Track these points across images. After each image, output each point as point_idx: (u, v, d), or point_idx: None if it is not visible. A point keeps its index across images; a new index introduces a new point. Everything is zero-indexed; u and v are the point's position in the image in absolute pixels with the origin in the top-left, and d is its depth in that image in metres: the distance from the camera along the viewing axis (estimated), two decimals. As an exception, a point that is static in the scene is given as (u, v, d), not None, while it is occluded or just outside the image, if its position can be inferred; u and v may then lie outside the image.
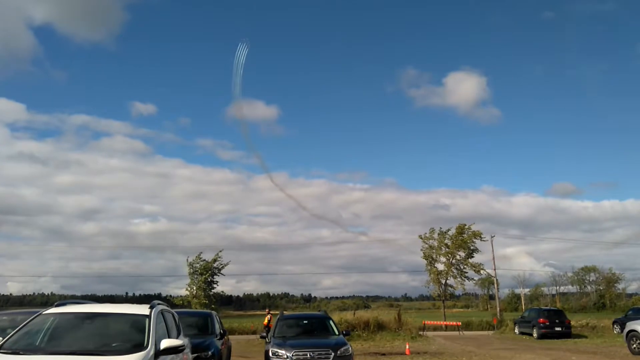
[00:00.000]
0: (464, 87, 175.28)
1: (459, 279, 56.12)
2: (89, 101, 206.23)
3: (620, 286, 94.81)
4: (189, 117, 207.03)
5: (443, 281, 56.49)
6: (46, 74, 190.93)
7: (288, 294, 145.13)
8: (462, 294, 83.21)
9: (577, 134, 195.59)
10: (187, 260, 52.80)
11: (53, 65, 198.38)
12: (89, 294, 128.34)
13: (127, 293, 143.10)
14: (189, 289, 51.79)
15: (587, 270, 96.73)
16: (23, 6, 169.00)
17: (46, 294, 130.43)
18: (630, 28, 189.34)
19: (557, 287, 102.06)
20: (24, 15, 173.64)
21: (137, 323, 8.51)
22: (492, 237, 60.75)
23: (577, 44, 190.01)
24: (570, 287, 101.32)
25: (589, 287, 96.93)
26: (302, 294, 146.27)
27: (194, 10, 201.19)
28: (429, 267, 56.92)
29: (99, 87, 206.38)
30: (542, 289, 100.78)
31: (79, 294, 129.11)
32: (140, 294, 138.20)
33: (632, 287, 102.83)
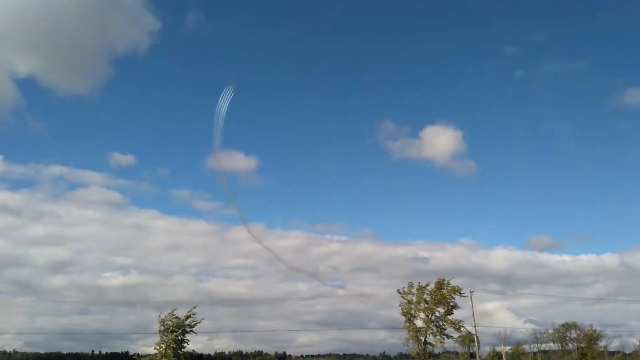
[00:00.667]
0: (440, 140, 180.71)
1: (438, 337, 54.93)
2: (67, 152, 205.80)
3: (602, 343, 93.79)
4: (167, 168, 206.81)
5: (422, 339, 55.15)
6: (26, 125, 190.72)
7: (262, 352, 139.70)
8: (442, 353, 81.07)
9: (553, 187, 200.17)
10: (159, 316, 50.85)
11: (33, 116, 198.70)
12: (54, 351, 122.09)
13: (93, 351, 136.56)
14: (158, 347, 49.52)
15: (568, 326, 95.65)
16: (7, 58, 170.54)
17: (8, 351, 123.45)
18: (600, 85, 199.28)
19: (539, 345, 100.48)
20: (7, 67, 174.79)
21: None
22: (471, 292, 60.14)
23: (549, 100, 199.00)
24: (551, 344, 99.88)
25: (570, 345, 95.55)
26: (276, 352, 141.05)
27: (176, 64, 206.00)
28: (408, 324, 55.66)
29: (78, 138, 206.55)
30: (524, 346, 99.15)
31: (43, 351, 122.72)
32: (107, 352, 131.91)
33: (614, 345, 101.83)
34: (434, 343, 55.44)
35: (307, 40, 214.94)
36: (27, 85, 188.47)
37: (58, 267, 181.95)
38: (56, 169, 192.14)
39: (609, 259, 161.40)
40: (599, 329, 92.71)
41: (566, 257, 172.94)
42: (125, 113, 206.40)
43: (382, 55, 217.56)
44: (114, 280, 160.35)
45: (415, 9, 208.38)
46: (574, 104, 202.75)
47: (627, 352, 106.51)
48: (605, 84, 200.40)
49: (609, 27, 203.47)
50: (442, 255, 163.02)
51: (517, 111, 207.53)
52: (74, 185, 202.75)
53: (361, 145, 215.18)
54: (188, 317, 51.04)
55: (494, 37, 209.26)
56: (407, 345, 56.40)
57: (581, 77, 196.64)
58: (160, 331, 50.32)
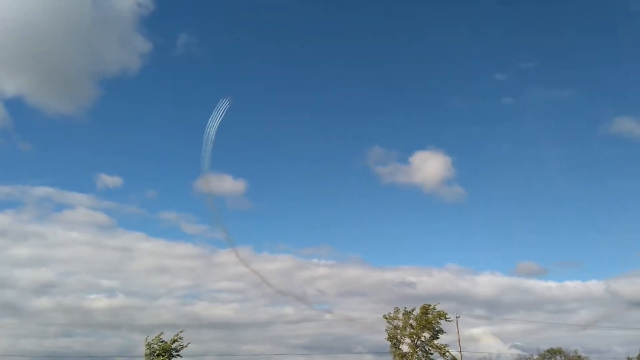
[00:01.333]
0: (429, 166, 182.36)
1: (424, 362, 55.36)
2: (54, 173, 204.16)
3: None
4: (155, 190, 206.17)
5: (408, 364, 55.56)
6: (13, 145, 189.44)
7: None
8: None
9: (540, 213, 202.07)
10: (146, 339, 50.84)
11: (21, 137, 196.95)
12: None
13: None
14: (144, 371, 49.37)
15: (553, 352, 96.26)
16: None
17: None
18: (589, 113, 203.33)
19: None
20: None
21: None
22: (457, 317, 60.82)
23: (538, 127, 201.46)
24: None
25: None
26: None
27: (165, 86, 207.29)
28: (394, 349, 56.09)
29: (66, 159, 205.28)
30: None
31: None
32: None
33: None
34: (419, 368, 55.82)
35: (299, 65, 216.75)
36: (15, 105, 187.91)
37: (43, 288, 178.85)
38: (42, 190, 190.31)
39: (594, 286, 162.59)
40: (583, 354, 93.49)
41: (552, 284, 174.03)
42: (114, 135, 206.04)
43: (370, 79, 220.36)
44: (99, 302, 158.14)
45: (404, 34, 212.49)
46: (562, 131, 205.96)
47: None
48: (594, 111, 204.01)
49: (599, 55, 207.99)
50: (429, 280, 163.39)
51: (506, 138, 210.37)
52: (60, 207, 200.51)
53: (350, 169, 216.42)
54: (175, 341, 51.09)
55: (483, 64, 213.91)
56: (393, 371, 56.79)
57: (570, 104, 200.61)
58: (146, 355, 50.22)
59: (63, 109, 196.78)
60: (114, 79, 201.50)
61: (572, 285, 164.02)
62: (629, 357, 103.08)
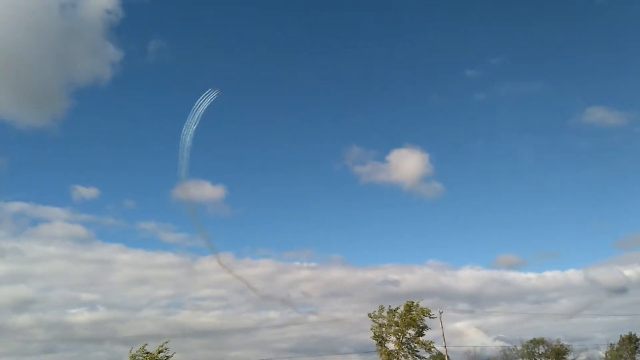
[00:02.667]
0: (407, 163, 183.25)
1: (410, 358, 55.97)
2: (28, 187, 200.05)
3: (570, 357, 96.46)
4: (132, 200, 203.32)
5: (394, 361, 56.08)
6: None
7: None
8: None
9: (517, 206, 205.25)
10: (130, 351, 50.35)
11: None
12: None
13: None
14: (129, 384, 48.93)
15: (536, 342, 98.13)
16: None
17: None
18: (559, 105, 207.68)
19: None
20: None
21: None
22: (440, 312, 61.54)
23: (510, 122, 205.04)
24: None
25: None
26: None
27: (138, 93, 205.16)
28: (379, 347, 56.58)
29: (40, 172, 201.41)
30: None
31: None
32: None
33: (581, 358, 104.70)
34: (406, 365, 56.43)
35: (274, 67, 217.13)
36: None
37: (22, 305, 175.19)
38: (17, 205, 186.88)
39: (573, 275, 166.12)
40: (566, 343, 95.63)
41: (531, 275, 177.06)
42: (88, 145, 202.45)
43: (345, 80, 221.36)
44: (80, 316, 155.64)
45: (376, 34, 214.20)
46: (534, 124, 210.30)
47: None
48: (565, 103, 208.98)
49: (567, 48, 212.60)
50: (411, 277, 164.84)
51: (479, 133, 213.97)
52: (35, 221, 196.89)
53: (329, 171, 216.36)
54: (160, 351, 50.73)
55: (455, 61, 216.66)
56: (380, 369, 57.30)
57: (540, 97, 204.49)
58: (131, 367, 49.76)
59: (35, 121, 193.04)
60: (86, 89, 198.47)
61: (552, 275, 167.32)
62: (610, 344, 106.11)
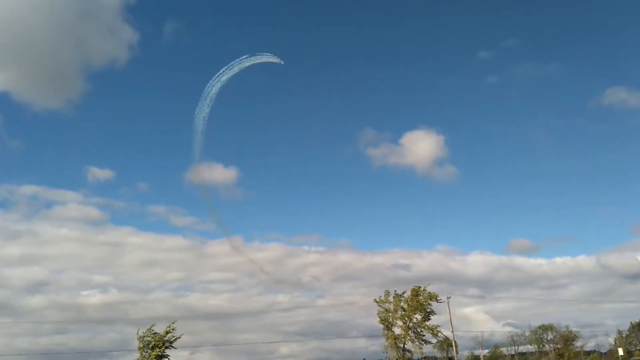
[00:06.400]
0: (421, 146, 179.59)
1: (417, 343, 55.98)
2: (43, 168, 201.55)
3: (578, 344, 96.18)
4: (146, 182, 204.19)
5: (401, 345, 56.12)
6: (0, 143, 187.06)
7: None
8: (421, 358, 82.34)
9: (531, 190, 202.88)
10: (138, 333, 50.88)
11: (8, 134, 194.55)
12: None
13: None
14: (138, 364, 49.50)
15: (545, 328, 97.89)
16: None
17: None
18: (577, 87, 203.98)
19: (516, 347, 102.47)
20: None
21: None
22: (448, 298, 61.48)
23: (524, 105, 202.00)
24: (529, 346, 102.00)
25: (547, 346, 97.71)
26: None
27: (154, 76, 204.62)
28: (386, 332, 56.62)
29: (55, 155, 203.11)
30: (501, 349, 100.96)
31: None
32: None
33: (589, 345, 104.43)
34: (412, 349, 56.50)
35: (288, 49, 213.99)
36: (1, 101, 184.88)
37: (35, 287, 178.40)
38: (31, 188, 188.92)
39: (584, 261, 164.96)
40: (575, 329, 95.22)
41: (542, 261, 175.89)
42: (104, 128, 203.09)
43: (359, 62, 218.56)
44: (92, 298, 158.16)
45: (391, 16, 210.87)
46: (550, 107, 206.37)
47: (602, 352, 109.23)
48: (582, 85, 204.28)
49: (583, 28, 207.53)
50: (420, 262, 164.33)
51: (493, 116, 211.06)
52: (50, 204, 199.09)
53: (341, 154, 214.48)
54: (167, 332, 51.18)
55: (467, 43, 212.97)
56: (386, 353, 57.45)
57: (556, 80, 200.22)
58: (139, 348, 50.33)
59: (51, 104, 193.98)
60: (102, 71, 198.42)
61: (562, 262, 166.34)
62: (619, 330, 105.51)
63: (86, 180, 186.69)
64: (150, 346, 50.24)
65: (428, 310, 56.49)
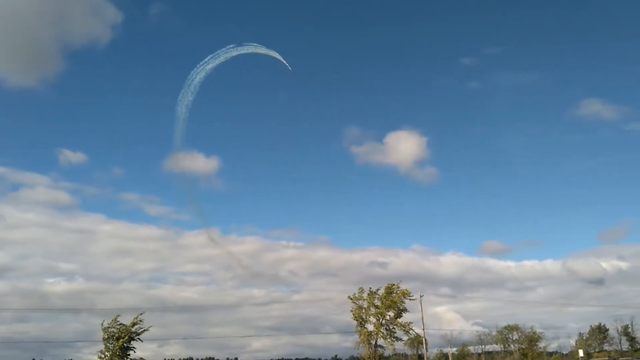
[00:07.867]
0: (405, 146, 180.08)
1: (389, 340, 55.82)
2: (12, 149, 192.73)
3: (542, 344, 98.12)
4: (121, 168, 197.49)
5: (373, 342, 55.82)
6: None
7: (213, 358, 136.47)
8: (392, 355, 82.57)
9: (505, 194, 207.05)
10: (102, 324, 49.02)
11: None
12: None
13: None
14: (102, 356, 47.71)
15: (510, 329, 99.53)
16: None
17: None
18: (554, 96, 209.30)
19: (483, 346, 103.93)
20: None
21: None
22: (420, 296, 61.53)
23: (503, 111, 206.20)
24: (495, 345, 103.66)
25: (512, 346, 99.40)
26: (227, 358, 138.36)
27: (136, 59, 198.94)
28: (359, 328, 56.21)
29: (25, 134, 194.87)
30: (469, 348, 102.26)
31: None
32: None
33: (552, 346, 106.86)
34: (384, 345, 56.36)
35: (275, 41, 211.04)
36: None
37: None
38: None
39: (551, 265, 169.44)
40: (539, 331, 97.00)
41: (510, 263, 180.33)
42: (79, 108, 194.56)
43: (346, 60, 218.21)
44: (57, 286, 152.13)
45: (378, 19, 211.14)
46: (528, 115, 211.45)
47: (564, 353, 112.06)
48: (560, 95, 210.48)
49: (563, 39, 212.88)
50: (396, 261, 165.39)
51: (475, 121, 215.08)
52: (17, 185, 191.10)
53: (325, 150, 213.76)
54: (135, 324, 49.51)
55: (451, 49, 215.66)
56: (358, 349, 57.07)
57: (535, 89, 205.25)
58: (104, 339, 48.57)
59: (25, 81, 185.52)
60: (82, 51, 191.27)
61: (530, 265, 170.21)
62: (580, 333, 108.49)
63: (57, 162, 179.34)
64: (115, 337, 48.52)
65: (401, 307, 56.30)
